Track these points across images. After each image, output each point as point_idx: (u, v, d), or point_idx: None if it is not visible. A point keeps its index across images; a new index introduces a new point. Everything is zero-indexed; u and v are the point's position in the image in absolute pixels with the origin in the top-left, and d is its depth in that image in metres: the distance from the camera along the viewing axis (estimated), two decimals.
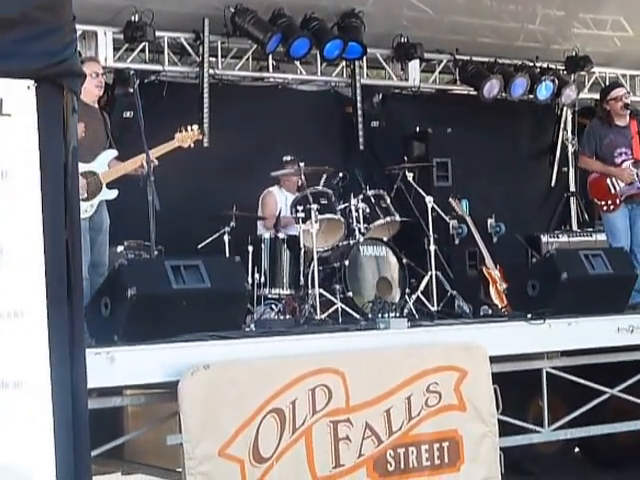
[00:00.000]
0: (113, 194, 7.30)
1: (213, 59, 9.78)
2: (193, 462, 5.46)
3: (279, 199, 9.00)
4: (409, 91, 11.00)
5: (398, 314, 7.66)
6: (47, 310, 4.16)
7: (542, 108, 11.47)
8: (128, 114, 8.72)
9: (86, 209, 6.98)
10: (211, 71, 9.73)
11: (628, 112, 8.59)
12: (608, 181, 8.51)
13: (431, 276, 8.56)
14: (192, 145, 7.55)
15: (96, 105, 7.48)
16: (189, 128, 7.52)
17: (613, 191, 8.49)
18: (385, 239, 8.57)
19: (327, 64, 10.41)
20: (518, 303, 7.59)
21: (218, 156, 9.58)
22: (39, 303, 4.17)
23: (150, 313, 5.94)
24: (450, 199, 9.34)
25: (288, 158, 8.86)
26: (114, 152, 7.40)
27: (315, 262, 7.91)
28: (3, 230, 4.04)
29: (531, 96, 11.09)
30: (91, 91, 7.25)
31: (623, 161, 8.52)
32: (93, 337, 5.82)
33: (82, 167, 6.45)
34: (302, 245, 8.17)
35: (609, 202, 8.52)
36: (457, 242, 9.53)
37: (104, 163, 7.29)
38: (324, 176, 8.81)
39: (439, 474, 6.20)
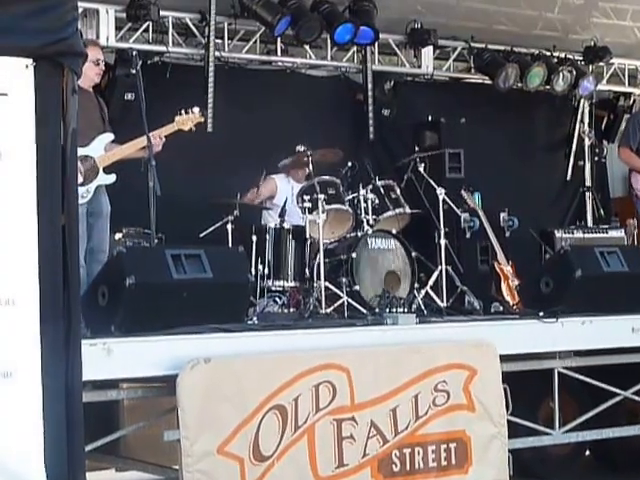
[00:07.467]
0: (111, 179, 7.23)
1: (219, 41, 9.71)
2: (191, 459, 5.39)
3: (282, 187, 8.92)
4: (422, 79, 10.95)
5: (406, 309, 7.55)
6: (40, 299, 4.20)
7: (559, 99, 11.40)
8: (129, 96, 8.67)
9: (83, 194, 6.93)
10: (217, 53, 9.64)
11: None
12: None
13: (441, 271, 8.48)
14: (193, 128, 7.48)
15: (91, 90, 7.41)
16: (190, 111, 7.45)
17: None
18: (394, 231, 8.45)
19: (338, 49, 10.35)
20: (530, 300, 7.53)
21: (222, 141, 9.50)
22: (32, 291, 4.19)
23: (149, 304, 5.91)
24: (462, 191, 9.26)
25: (301, 148, 8.70)
26: (110, 136, 7.33)
27: (321, 254, 7.82)
28: None
29: (547, 87, 11.03)
30: (90, 77, 7.22)
31: None
32: (89, 327, 5.75)
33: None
34: (308, 236, 8.08)
35: None
36: (468, 236, 9.46)
37: (100, 147, 7.21)
38: (345, 169, 8.61)
39: (446, 476, 6.15)
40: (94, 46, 7.49)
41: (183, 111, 7.41)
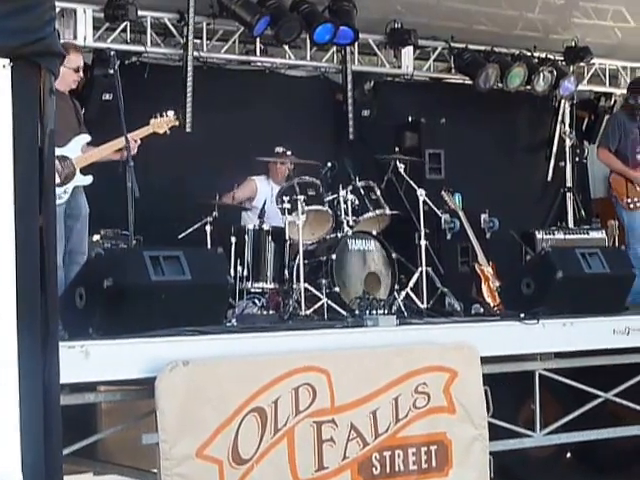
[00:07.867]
0: (88, 180, 7.19)
1: (198, 41, 9.63)
2: (170, 463, 5.33)
3: (262, 189, 8.87)
4: (402, 79, 10.89)
5: (386, 311, 7.47)
6: (17, 301, 4.05)
7: (539, 100, 11.38)
8: (107, 96, 8.59)
9: (60, 195, 6.90)
10: (195, 53, 9.57)
11: None
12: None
13: (421, 272, 8.41)
14: (168, 131, 7.44)
15: (66, 92, 7.34)
16: (164, 114, 7.41)
17: (639, 189, 8.69)
18: (374, 233, 8.43)
19: (317, 49, 10.29)
20: (511, 302, 7.49)
21: (201, 142, 9.42)
22: (8, 293, 4.02)
23: (127, 306, 5.85)
24: (442, 192, 9.24)
25: (280, 150, 8.66)
26: (87, 137, 7.29)
27: (301, 255, 7.79)
28: None
29: (528, 87, 11.01)
30: (67, 82, 7.16)
31: None
32: (67, 329, 5.67)
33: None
34: (287, 237, 8.04)
35: (635, 199, 8.68)
36: (449, 237, 9.40)
37: (77, 148, 7.17)
38: (325, 170, 8.62)
39: (427, 478, 6.09)
40: (75, 51, 7.38)
41: (158, 114, 7.37)
